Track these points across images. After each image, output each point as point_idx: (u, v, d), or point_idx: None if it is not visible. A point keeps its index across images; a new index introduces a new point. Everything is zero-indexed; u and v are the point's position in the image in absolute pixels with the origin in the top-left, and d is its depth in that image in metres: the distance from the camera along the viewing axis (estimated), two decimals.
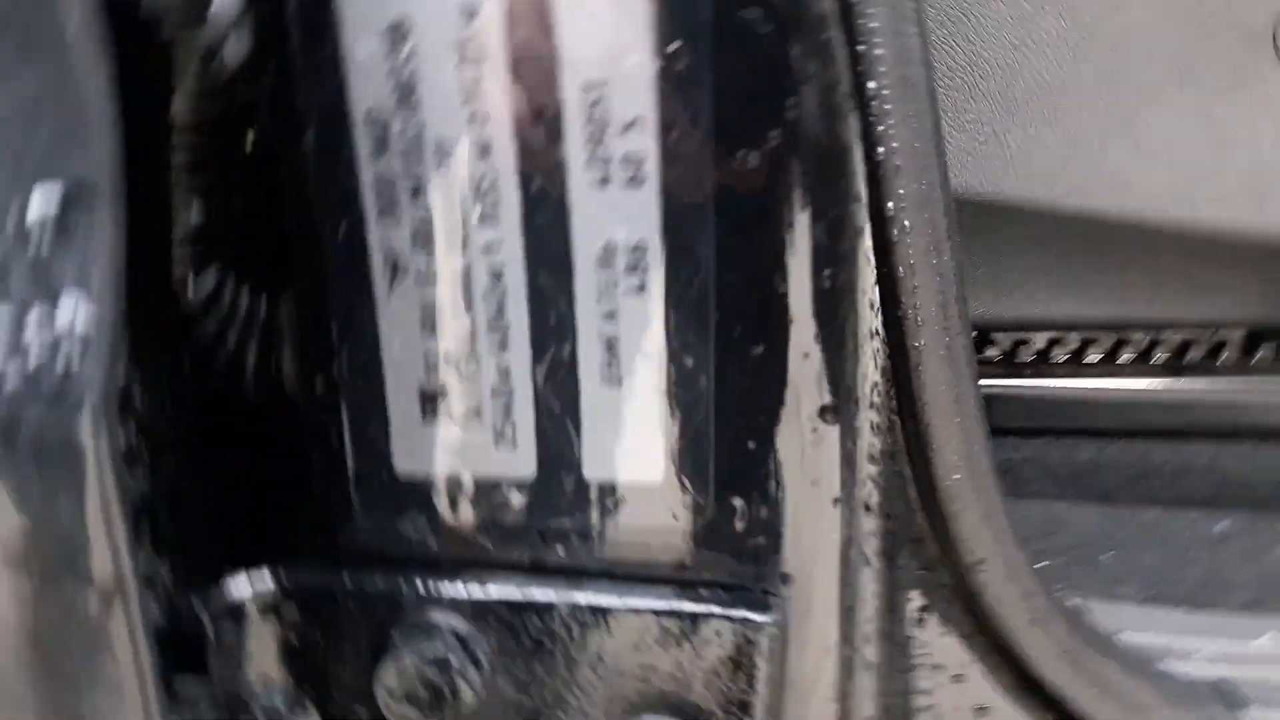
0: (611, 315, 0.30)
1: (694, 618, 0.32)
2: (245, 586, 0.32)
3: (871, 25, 0.27)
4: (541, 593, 0.32)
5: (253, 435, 0.32)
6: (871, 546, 0.32)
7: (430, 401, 0.31)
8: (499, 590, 0.33)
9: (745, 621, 0.32)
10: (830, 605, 0.33)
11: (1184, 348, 0.57)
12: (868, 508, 0.32)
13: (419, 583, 0.33)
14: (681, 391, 0.31)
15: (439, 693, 0.31)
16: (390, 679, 0.32)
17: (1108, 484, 0.60)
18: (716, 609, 0.32)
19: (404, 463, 0.32)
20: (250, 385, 0.32)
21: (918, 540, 0.32)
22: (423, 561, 0.33)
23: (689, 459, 0.31)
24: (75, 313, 0.25)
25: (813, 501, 0.31)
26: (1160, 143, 0.51)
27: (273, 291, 0.31)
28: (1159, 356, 0.57)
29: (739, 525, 0.32)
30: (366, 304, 0.31)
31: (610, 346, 0.30)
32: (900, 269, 0.28)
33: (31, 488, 0.25)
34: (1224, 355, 0.58)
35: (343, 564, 0.33)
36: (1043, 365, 0.61)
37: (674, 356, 0.30)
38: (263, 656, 0.33)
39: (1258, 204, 0.54)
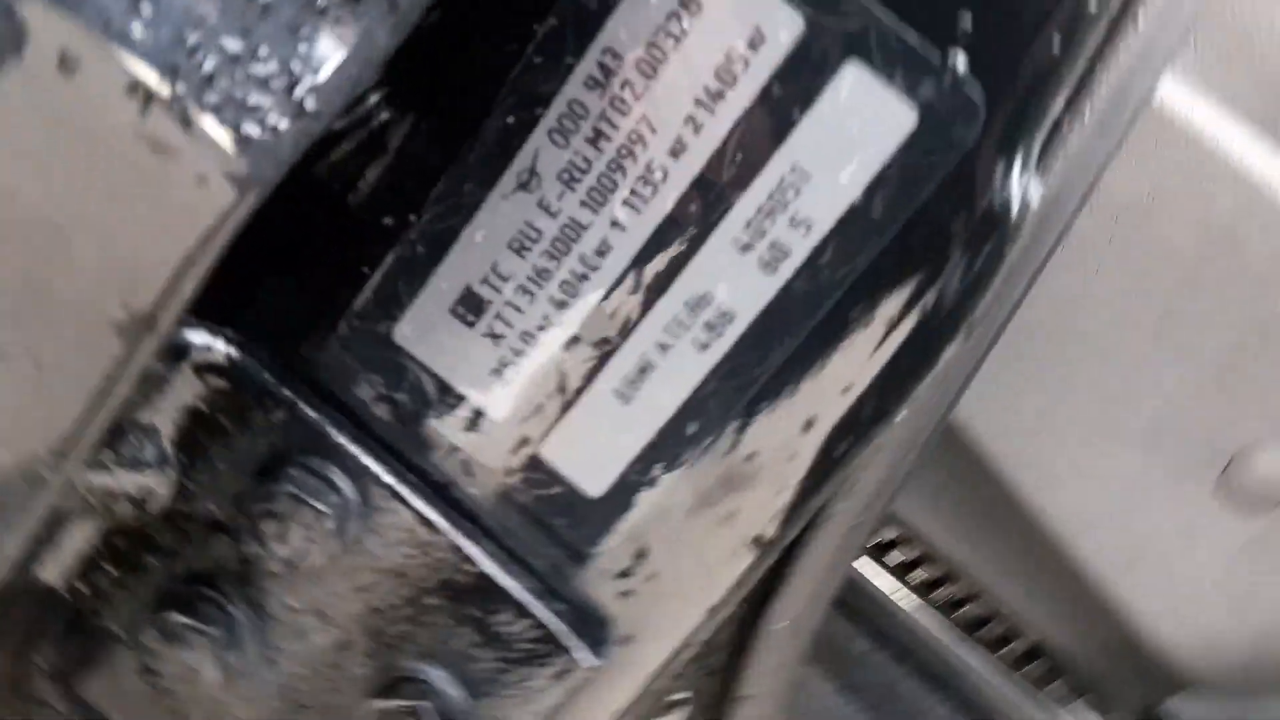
0: (664, 348, 0.31)
1: (529, 619, 0.33)
2: (198, 335, 0.31)
3: None
4: (426, 510, 0.33)
5: (301, 214, 0.31)
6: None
7: (467, 302, 0.32)
8: (394, 483, 0.33)
9: (566, 649, 0.33)
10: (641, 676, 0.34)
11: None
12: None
13: (339, 436, 0.32)
14: (664, 444, 0.32)
15: (301, 533, 0.31)
16: (262, 498, 0.31)
17: None
18: (548, 623, 0.33)
19: (403, 332, 0.32)
20: (327, 175, 0.31)
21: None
22: (355, 422, 0.33)
23: (629, 493, 0.33)
24: None
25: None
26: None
27: (408, 112, 0.31)
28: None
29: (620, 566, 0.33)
30: (479, 187, 0.31)
31: (644, 369, 0.32)
32: None
33: None
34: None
35: (287, 373, 0.32)
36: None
37: (684, 414, 0.32)
38: (166, 404, 0.32)
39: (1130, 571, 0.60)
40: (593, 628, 0.33)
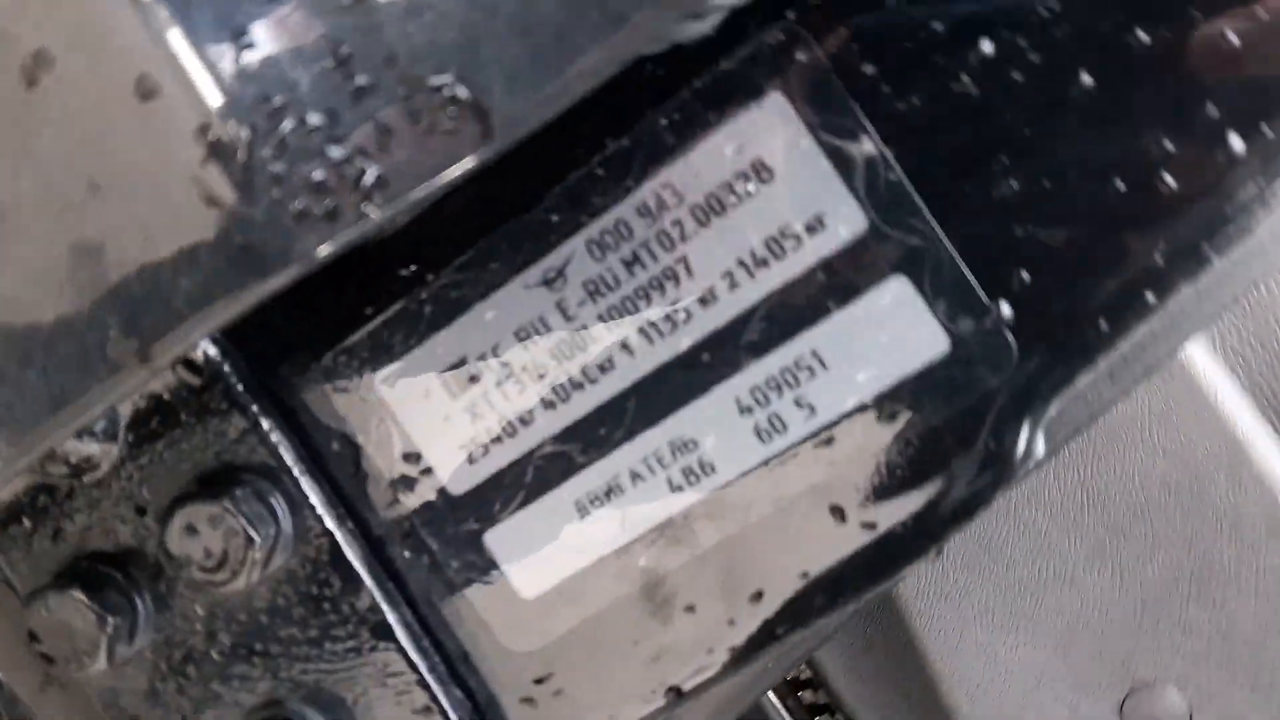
0: (636, 478, 0.31)
1: (429, 699, 0.33)
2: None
3: None
4: (357, 563, 0.32)
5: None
6: None
7: (458, 373, 0.31)
8: (333, 528, 0.32)
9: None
10: None
11: None
12: None
13: (293, 466, 0.32)
14: (609, 569, 0.32)
15: (229, 553, 0.31)
16: (200, 504, 0.31)
17: None
18: (446, 709, 0.33)
19: (386, 381, 0.32)
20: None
21: None
22: (312, 457, 0.32)
23: (562, 605, 0.32)
24: None
25: None
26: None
27: None
28: None
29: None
30: (505, 268, 0.31)
31: (610, 492, 0.31)
32: None
33: None
34: None
35: (259, 390, 0.32)
36: None
37: (638, 545, 0.32)
38: None
39: None
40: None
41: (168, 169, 0.21)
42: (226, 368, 0.31)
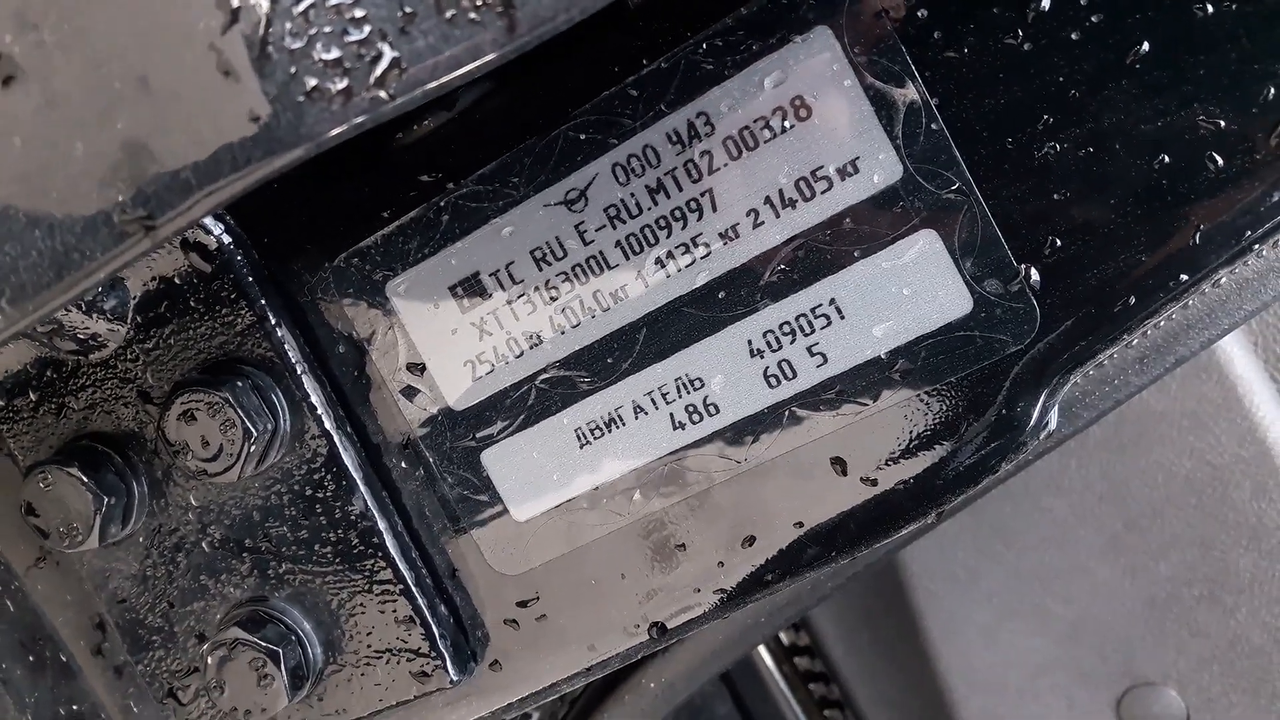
0: (639, 411, 0.31)
1: (413, 611, 0.32)
2: (213, 224, 0.30)
3: None
4: (351, 466, 0.32)
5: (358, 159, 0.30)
6: None
7: (470, 287, 0.31)
8: (331, 429, 0.32)
9: (436, 656, 0.33)
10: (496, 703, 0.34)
11: None
12: None
13: (296, 363, 0.32)
14: (603, 501, 0.31)
15: (226, 444, 0.30)
16: (202, 393, 0.31)
17: None
18: (429, 624, 0.33)
19: (397, 288, 0.31)
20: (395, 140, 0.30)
21: None
22: (316, 356, 0.32)
23: (551, 531, 0.32)
24: None
25: None
26: None
27: (486, 79, 0.30)
28: None
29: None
30: (526, 185, 0.30)
31: (611, 423, 0.31)
32: None
33: None
34: None
35: (269, 284, 0.32)
36: None
37: (632, 479, 0.31)
38: (143, 264, 0.31)
39: None
40: (469, 644, 0.33)
41: (187, 35, 0.21)
42: (239, 258, 0.31)
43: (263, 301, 0.31)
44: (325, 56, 0.21)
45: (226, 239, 0.31)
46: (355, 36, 0.21)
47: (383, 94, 0.21)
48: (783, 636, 0.63)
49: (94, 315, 0.31)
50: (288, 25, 0.21)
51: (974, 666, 0.60)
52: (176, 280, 0.31)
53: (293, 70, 0.21)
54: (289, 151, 0.21)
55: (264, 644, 0.32)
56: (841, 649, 0.63)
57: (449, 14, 0.21)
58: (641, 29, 0.28)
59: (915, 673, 0.61)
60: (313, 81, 0.21)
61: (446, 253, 0.31)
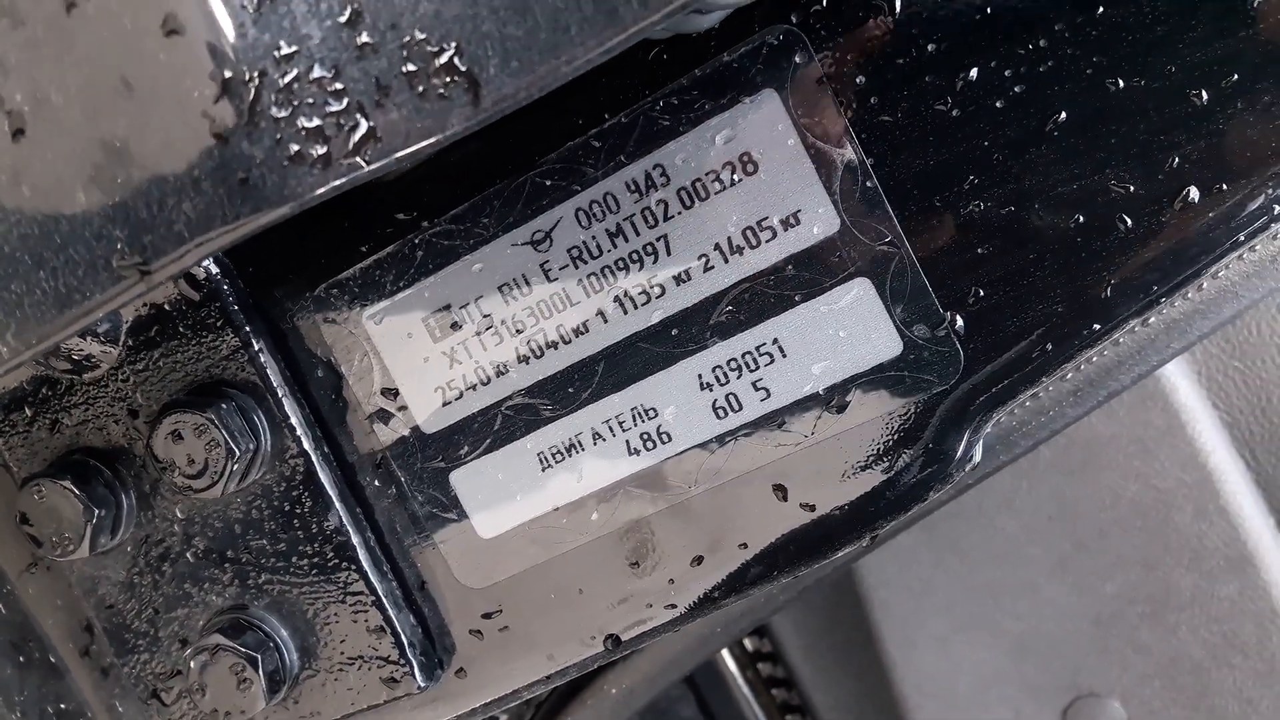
0: (597, 437, 0.33)
1: (383, 621, 0.35)
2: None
3: None
4: (327, 484, 0.34)
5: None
6: None
7: (441, 318, 0.33)
8: (309, 449, 0.34)
9: (404, 663, 0.35)
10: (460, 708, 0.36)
11: None
12: None
13: (276, 386, 0.34)
14: (562, 521, 0.34)
15: (210, 461, 0.33)
16: (188, 413, 0.33)
17: None
18: (399, 632, 0.35)
19: (373, 317, 0.34)
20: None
21: None
22: (296, 380, 0.34)
23: (515, 548, 0.34)
24: None
25: None
26: None
27: None
28: None
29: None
30: (496, 225, 0.32)
31: (572, 448, 0.33)
32: None
33: None
34: None
35: (254, 311, 0.34)
36: None
37: (591, 501, 0.33)
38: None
39: None
40: (436, 652, 0.35)
41: (183, 102, 0.23)
42: (225, 287, 0.33)
43: (247, 328, 0.33)
44: (308, 125, 0.23)
45: (214, 269, 0.33)
46: (335, 108, 0.23)
47: (359, 160, 0.23)
48: (746, 643, 0.66)
49: (88, 338, 0.34)
50: (273, 96, 0.23)
51: (927, 675, 0.63)
52: (166, 307, 0.33)
53: (278, 137, 0.23)
54: (274, 210, 0.23)
55: (243, 649, 0.34)
56: (801, 656, 0.66)
57: (420, 89, 0.23)
58: (604, 86, 0.31)
59: (871, 680, 0.63)
60: (296, 147, 0.23)
61: (420, 286, 0.33)
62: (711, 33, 0.30)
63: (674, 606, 0.33)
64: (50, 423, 0.35)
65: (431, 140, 0.23)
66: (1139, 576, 0.61)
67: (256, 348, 0.33)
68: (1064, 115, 0.28)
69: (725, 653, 0.67)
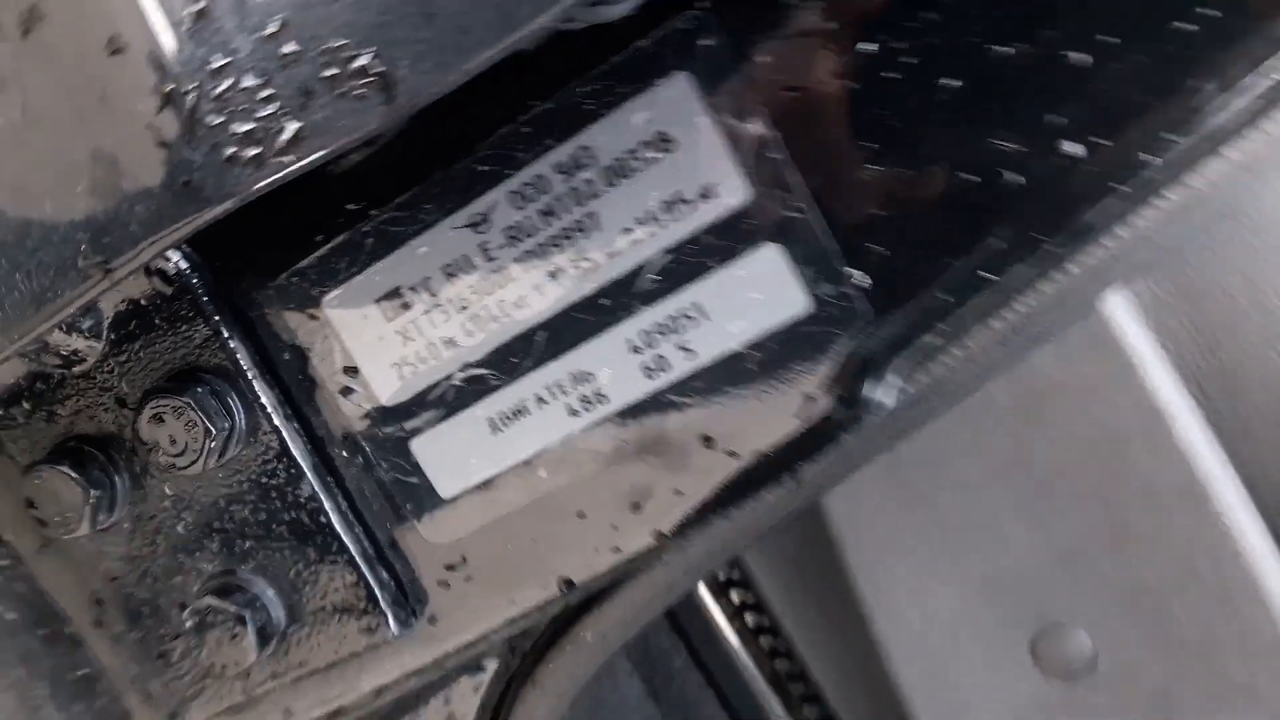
0: (541, 401, 0.36)
1: (358, 576, 0.38)
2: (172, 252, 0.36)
3: None
4: (300, 455, 0.37)
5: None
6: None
7: (392, 299, 0.36)
8: (280, 424, 0.37)
9: (380, 613, 0.38)
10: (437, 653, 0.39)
11: None
12: None
13: (247, 368, 0.37)
14: (515, 477, 0.37)
15: (191, 441, 0.36)
16: (167, 397, 0.36)
17: None
18: (373, 585, 0.38)
19: (331, 302, 0.36)
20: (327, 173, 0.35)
21: None
22: (265, 361, 0.37)
23: (473, 505, 0.37)
24: None
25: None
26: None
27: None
28: None
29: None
30: (437, 210, 0.35)
31: (518, 412, 0.36)
32: None
33: None
34: None
35: (223, 301, 0.37)
36: None
37: (538, 459, 0.36)
38: (114, 289, 0.36)
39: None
40: (408, 602, 0.38)
41: (130, 115, 0.26)
42: (195, 280, 0.36)
43: (217, 317, 0.36)
44: (241, 129, 0.26)
45: (184, 265, 0.36)
46: (265, 113, 0.26)
47: (288, 158, 0.26)
48: (733, 596, 0.69)
49: (74, 334, 0.37)
50: (209, 106, 0.26)
51: (901, 615, 0.66)
52: (143, 302, 0.36)
53: (215, 142, 0.26)
54: (216, 207, 0.26)
55: (233, 609, 0.37)
56: (781, 603, 0.69)
57: (340, 92, 0.26)
58: (532, 76, 0.33)
59: (848, 623, 0.66)
60: (231, 150, 0.26)
61: (371, 270, 0.36)
62: (630, 20, 0.32)
63: (619, 550, 0.36)
64: (47, 414, 0.38)
65: (354, 137, 0.26)
66: (1097, 513, 0.63)
67: (226, 335, 0.36)
68: (953, 82, 0.31)
69: (712, 603, 0.70)
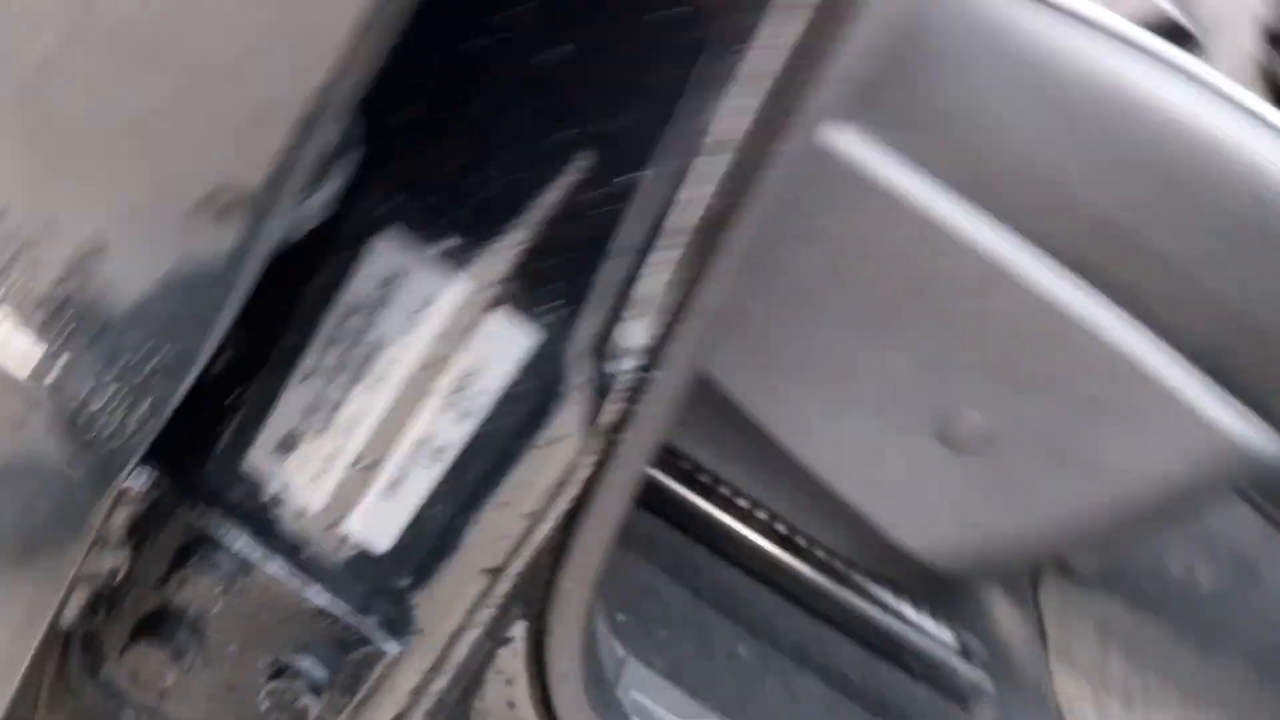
0: (409, 466, 0.50)
1: (352, 627, 0.53)
2: (134, 476, 0.51)
3: None
4: (280, 570, 0.53)
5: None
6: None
7: (287, 441, 0.51)
8: (258, 556, 0.53)
9: (378, 643, 0.54)
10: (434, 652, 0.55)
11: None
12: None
13: (219, 533, 0.52)
14: (418, 520, 0.52)
15: (207, 589, 0.52)
16: (179, 569, 0.52)
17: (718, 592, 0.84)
18: (364, 630, 0.53)
19: (250, 459, 0.51)
20: None
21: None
22: (233, 512, 0.53)
23: (405, 545, 0.52)
24: None
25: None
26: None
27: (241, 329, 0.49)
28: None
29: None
30: (281, 379, 0.50)
31: (399, 479, 0.51)
32: None
33: None
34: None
35: (185, 494, 0.52)
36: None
37: (430, 502, 0.51)
38: (118, 513, 0.51)
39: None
40: (397, 627, 0.54)
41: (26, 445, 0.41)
42: (158, 493, 0.51)
43: (181, 510, 0.52)
44: (92, 442, 0.41)
45: (145, 485, 0.51)
46: (109, 426, 0.41)
47: (130, 440, 0.41)
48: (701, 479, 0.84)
49: (106, 549, 0.53)
50: (77, 430, 0.41)
51: (826, 451, 0.79)
52: (138, 517, 0.52)
53: (82, 451, 0.41)
54: (109, 484, 0.41)
55: (292, 682, 0.53)
56: (739, 474, 0.84)
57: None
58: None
59: (768, 448, 0.80)
60: (91, 456, 0.41)
61: (264, 428, 0.50)
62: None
63: (506, 546, 0.51)
64: (117, 612, 0.54)
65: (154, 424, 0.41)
66: (940, 329, 0.76)
67: (194, 518, 0.52)
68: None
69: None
